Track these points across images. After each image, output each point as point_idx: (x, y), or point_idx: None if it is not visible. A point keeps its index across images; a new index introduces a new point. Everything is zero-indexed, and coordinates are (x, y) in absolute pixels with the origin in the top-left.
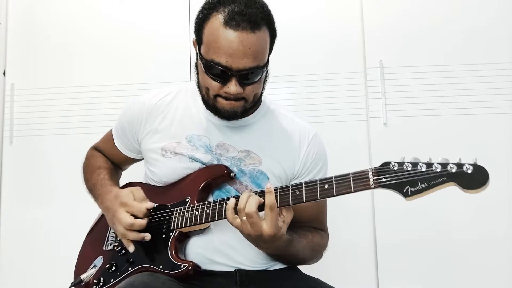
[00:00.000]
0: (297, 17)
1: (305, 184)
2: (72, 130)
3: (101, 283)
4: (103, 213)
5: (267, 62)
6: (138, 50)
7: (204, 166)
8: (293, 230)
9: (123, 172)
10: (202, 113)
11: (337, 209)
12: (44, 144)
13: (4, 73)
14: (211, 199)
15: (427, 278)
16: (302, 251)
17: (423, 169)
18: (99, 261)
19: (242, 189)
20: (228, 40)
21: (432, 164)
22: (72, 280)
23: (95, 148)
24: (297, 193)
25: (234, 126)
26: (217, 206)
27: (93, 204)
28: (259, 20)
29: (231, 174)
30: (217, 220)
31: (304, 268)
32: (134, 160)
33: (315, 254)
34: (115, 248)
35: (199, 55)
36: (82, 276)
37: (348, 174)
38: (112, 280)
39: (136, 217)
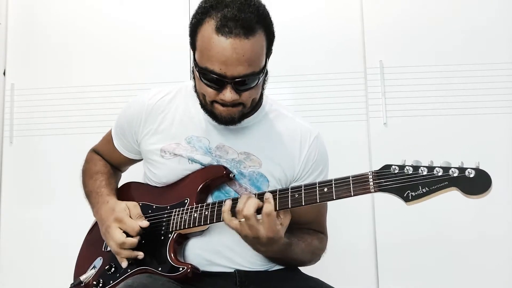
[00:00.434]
0: (297, 17)
1: (304, 187)
2: (72, 130)
3: (100, 284)
4: None
5: (265, 66)
6: (138, 50)
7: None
8: (292, 232)
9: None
10: (202, 114)
11: (337, 209)
12: (44, 144)
13: (4, 73)
14: (210, 200)
15: (427, 278)
16: (301, 254)
17: (424, 173)
18: (98, 262)
19: (242, 191)
20: (220, 47)
21: (434, 168)
22: (72, 281)
23: (95, 150)
24: (296, 196)
25: (234, 128)
26: (216, 208)
27: None
28: (253, 25)
29: (230, 175)
30: (216, 222)
31: (304, 268)
32: (133, 161)
33: (314, 257)
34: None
35: (194, 61)
36: (82, 277)
37: (348, 178)
38: (111, 282)
39: (128, 235)
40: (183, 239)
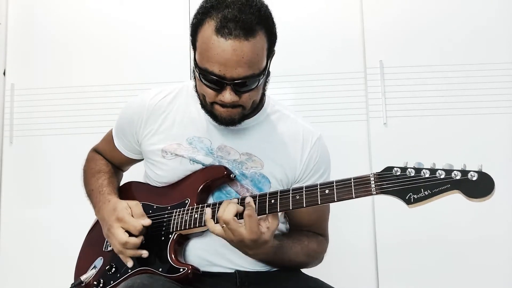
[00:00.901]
0: (297, 17)
1: (305, 188)
2: (72, 130)
3: (101, 285)
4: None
5: (265, 67)
6: (138, 50)
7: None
8: (289, 235)
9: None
10: (203, 115)
11: (337, 209)
12: (44, 144)
13: (4, 73)
14: (211, 200)
15: (427, 278)
16: (295, 257)
17: (427, 176)
18: (99, 262)
19: (243, 191)
20: (220, 49)
21: (436, 170)
22: (72, 281)
23: (95, 150)
24: (297, 197)
25: (235, 128)
26: (216, 209)
27: None
28: (254, 26)
29: (231, 176)
30: (216, 223)
31: (304, 268)
32: (134, 161)
33: (311, 260)
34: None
35: (194, 61)
36: (82, 277)
37: (350, 179)
38: (111, 282)
39: (131, 234)
40: (183, 240)
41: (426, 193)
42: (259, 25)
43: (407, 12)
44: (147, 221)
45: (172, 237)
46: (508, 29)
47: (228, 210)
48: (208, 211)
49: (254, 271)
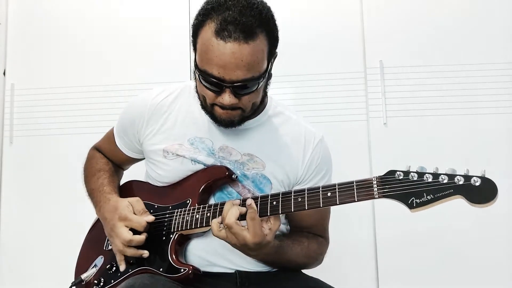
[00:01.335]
0: (297, 17)
1: (307, 190)
2: (72, 130)
3: (101, 284)
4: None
5: (266, 70)
6: (138, 50)
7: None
8: (289, 235)
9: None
10: (205, 115)
11: (338, 209)
12: (44, 144)
13: (4, 73)
14: (212, 200)
15: (427, 278)
16: (295, 257)
17: (429, 180)
18: (99, 260)
19: (244, 192)
20: (219, 51)
21: (439, 175)
22: (73, 280)
23: (96, 148)
24: (299, 200)
25: (237, 129)
26: (218, 210)
27: None
28: (254, 29)
29: (233, 176)
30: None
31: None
32: (135, 160)
33: (311, 260)
34: (116, 257)
35: (194, 63)
36: (83, 276)
37: (352, 183)
38: (112, 281)
39: (135, 231)
40: (184, 240)
41: (428, 197)
42: (259, 27)
43: (407, 12)
44: (150, 217)
45: (173, 237)
46: (508, 29)
47: (230, 214)
48: (215, 220)
49: (254, 271)
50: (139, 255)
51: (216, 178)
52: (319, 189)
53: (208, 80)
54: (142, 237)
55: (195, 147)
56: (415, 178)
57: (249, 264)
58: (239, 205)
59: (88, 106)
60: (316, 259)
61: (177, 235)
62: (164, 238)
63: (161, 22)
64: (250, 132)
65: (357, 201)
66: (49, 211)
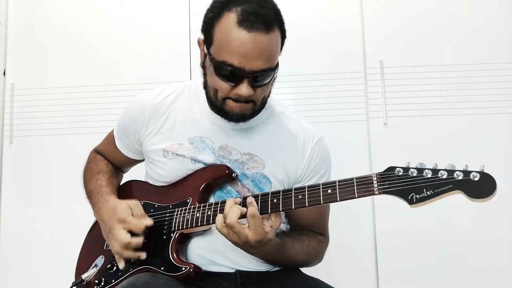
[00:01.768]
0: (297, 17)
1: (308, 188)
2: (72, 130)
3: (102, 283)
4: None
5: (277, 63)
6: (138, 50)
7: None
8: (289, 233)
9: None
10: (206, 114)
11: (337, 209)
12: (44, 144)
13: (4, 73)
14: (212, 199)
15: (427, 278)
16: (295, 255)
17: (429, 176)
18: (100, 260)
19: (244, 191)
20: (241, 41)
21: (438, 171)
22: (73, 280)
23: (97, 151)
24: (300, 197)
25: (237, 128)
26: (219, 208)
27: None
28: (271, 21)
29: (233, 175)
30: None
31: (304, 268)
32: (135, 162)
33: (311, 259)
34: (115, 258)
35: (209, 55)
36: (83, 276)
37: (352, 179)
38: (113, 281)
39: (133, 234)
40: (185, 239)
41: (428, 193)
42: (275, 20)
43: (407, 12)
44: (149, 221)
45: (173, 236)
46: (508, 29)
47: (231, 214)
48: (220, 215)
49: (255, 271)
50: (136, 257)
51: (217, 177)
52: (320, 186)
53: (226, 71)
54: (140, 240)
55: (195, 147)
56: (415, 174)
57: (249, 264)
58: (240, 204)
59: (88, 106)
60: (316, 257)
61: (178, 234)
62: (164, 237)
63: (161, 22)
64: (250, 131)
65: (357, 197)
66: (49, 211)
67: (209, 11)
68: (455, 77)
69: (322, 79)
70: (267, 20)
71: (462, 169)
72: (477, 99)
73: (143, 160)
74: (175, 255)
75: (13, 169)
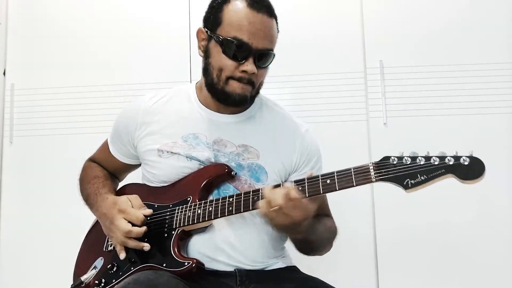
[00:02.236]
0: (297, 17)
1: (307, 180)
2: (72, 130)
3: (102, 284)
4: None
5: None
6: (138, 50)
7: (202, 164)
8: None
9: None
10: (198, 112)
11: (337, 208)
12: (44, 144)
13: (4, 73)
14: (211, 198)
15: (427, 278)
16: (321, 233)
17: (422, 163)
18: (99, 262)
19: (241, 185)
20: (252, 20)
21: (431, 157)
22: (72, 282)
23: (91, 159)
24: (300, 189)
25: (231, 121)
26: (220, 204)
27: None
28: (272, 10)
29: (232, 173)
30: (220, 217)
31: (303, 268)
32: (130, 167)
33: (331, 236)
34: (116, 248)
35: (215, 36)
36: (83, 278)
37: (349, 169)
38: (113, 280)
39: (133, 225)
40: (186, 236)
41: (422, 178)
42: (274, 12)
43: (407, 12)
44: (148, 211)
45: (175, 233)
46: (508, 29)
47: (277, 196)
48: (262, 201)
49: (255, 270)
50: (140, 247)
51: (217, 175)
52: (319, 177)
53: (234, 47)
54: (141, 229)
55: (189, 144)
56: (409, 162)
57: (249, 261)
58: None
59: (88, 106)
60: (334, 234)
61: (179, 231)
62: (166, 235)
63: (162, 22)
64: (243, 124)
65: (355, 185)
66: (49, 211)
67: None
68: (455, 77)
69: (322, 79)
70: (271, 7)
71: (452, 155)
72: (477, 99)
73: (138, 165)
74: (176, 251)
75: (13, 169)
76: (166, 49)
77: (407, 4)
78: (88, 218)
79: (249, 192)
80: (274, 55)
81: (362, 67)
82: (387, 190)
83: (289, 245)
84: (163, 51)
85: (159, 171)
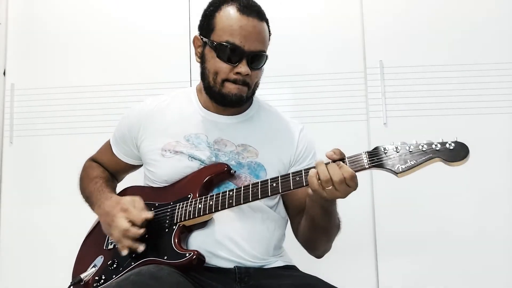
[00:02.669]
0: (297, 17)
1: (304, 170)
2: (72, 130)
3: (102, 280)
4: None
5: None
6: (138, 50)
7: (203, 164)
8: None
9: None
10: (199, 112)
11: (337, 208)
12: (44, 144)
13: (4, 73)
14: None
15: (427, 278)
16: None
17: (411, 149)
18: (99, 260)
19: (241, 182)
20: (242, 24)
21: (419, 144)
22: (71, 280)
23: (92, 159)
24: (297, 178)
25: (230, 122)
26: (220, 197)
27: None
28: (262, 14)
29: (231, 171)
30: (221, 210)
31: (303, 267)
32: (131, 168)
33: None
34: (117, 246)
35: (209, 42)
36: (82, 275)
37: (343, 159)
38: (114, 276)
39: (134, 225)
40: (187, 231)
41: (412, 163)
42: (264, 15)
43: (407, 12)
44: (149, 214)
45: (176, 227)
46: (508, 29)
47: (335, 172)
48: (313, 171)
49: (254, 267)
50: (135, 248)
51: (218, 173)
52: (314, 166)
53: (228, 51)
54: (139, 231)
55: (191, 143)
56: (399, 150)
57: (249, 257)
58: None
59: (88, 106)
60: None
61: (180, 226)
62: (167, 230)
63: (161, 22)
64: (242, 124)
65: None
66: (49, 211)
67: (209, 6)
68: (455, 77)
69: (322, 79)
70: (261, 12)
71: (439, 141)
72: (477, 99)
73: (139, 166)
74: (177, 244)
75: (13, 169)
76: (166, 49)
77: (407, 4)
78: (88, 218)
79: (248, 185)
80: (267, 57)
81: (362, 67)
82: (387, 190)
83: (289, 245)
84: (163, 52)
85: (161, 170)
